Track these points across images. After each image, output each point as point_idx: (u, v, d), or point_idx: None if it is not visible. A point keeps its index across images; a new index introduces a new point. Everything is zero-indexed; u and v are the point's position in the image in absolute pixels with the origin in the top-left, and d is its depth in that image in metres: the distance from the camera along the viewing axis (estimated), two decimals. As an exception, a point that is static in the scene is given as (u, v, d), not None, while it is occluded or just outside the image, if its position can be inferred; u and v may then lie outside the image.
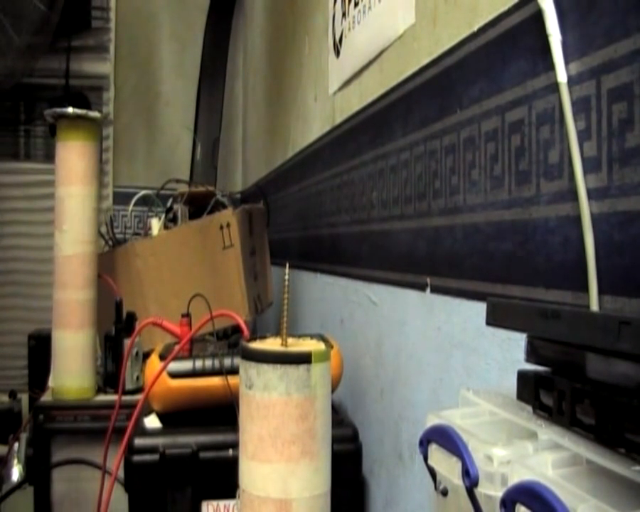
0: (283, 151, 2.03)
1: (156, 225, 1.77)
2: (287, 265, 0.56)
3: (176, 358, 1.03)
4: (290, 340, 0.57)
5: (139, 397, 1.06)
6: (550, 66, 0.59)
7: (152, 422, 1.06)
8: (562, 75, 0.58)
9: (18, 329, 2.81)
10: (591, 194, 0.55)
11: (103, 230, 1.77)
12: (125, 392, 1.32)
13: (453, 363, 0.82)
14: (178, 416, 1.05)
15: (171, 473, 0.97)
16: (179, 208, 1.78)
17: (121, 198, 3.12)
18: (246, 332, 1.04)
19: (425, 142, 0.90)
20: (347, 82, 1.29)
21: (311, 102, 1.63)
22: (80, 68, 3.20)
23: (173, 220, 1.82)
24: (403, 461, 0.98)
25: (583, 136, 0.56)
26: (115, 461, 0.98)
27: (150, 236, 1.68)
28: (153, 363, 1.06)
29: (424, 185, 0.91)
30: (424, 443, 0.50)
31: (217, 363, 1.04)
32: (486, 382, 0.73)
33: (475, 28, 0.75)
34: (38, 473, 1.38)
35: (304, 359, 0.53)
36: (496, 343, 0.71)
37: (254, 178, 2.69)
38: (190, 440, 1.00)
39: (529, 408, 0.48)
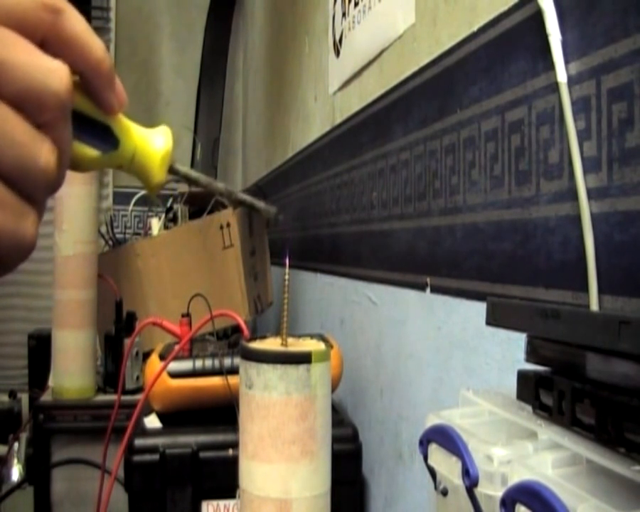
0: (283, 151, 2.03)
1: (156, 225, 1.78)
2: (287, 265, 0.56)
3: (175, 358, 1.03)
4: (290, 340, 0.57)
5: (139, 397, 1.06)
6: (550, 66, 0.59)
7: (152, 422, 1.06)
8: (562, 75, 0.58)
9: (18, 329, 2.81)
10: (591, 194, 0.55)
11: (103, 230, 1.77)
12: (125, 392, 1.32)
13: (453, 362, 0.82)
14: (178, 416, 1.05)
15: (171, 473, 0.97)
16: (179, 208, 1.79)
17: (121, 198, 3.12)
18: (246, 332, 1.04)
19: (425, 142, 0.90)
20: (347, 82, 1.29)
21: (311, 102, 1.63)
22: (80, 68, 3.20)
23: (173, 220, 1.82)
24: (403, 460, 0.98)
25: (583, 136, 0.56)
26: (115, 460, 0.98)
27: (150, 236, 1.68)
28: (153, 363, 1.06)
29: (424, 185, 0.91)
30: (424, 443, 0.50)
31: (217, 363, 1.04)
32: (486, 382, 0.73)
33: (475, 28, 0.76)
34: (38, 473, 1.38)
35: (304, 359, 0.53)
36: (496, 343, 0.71)
37: (254, 178, 2.69)
38: (190, 440, 1.00)
39: (529, 408, 0.48)
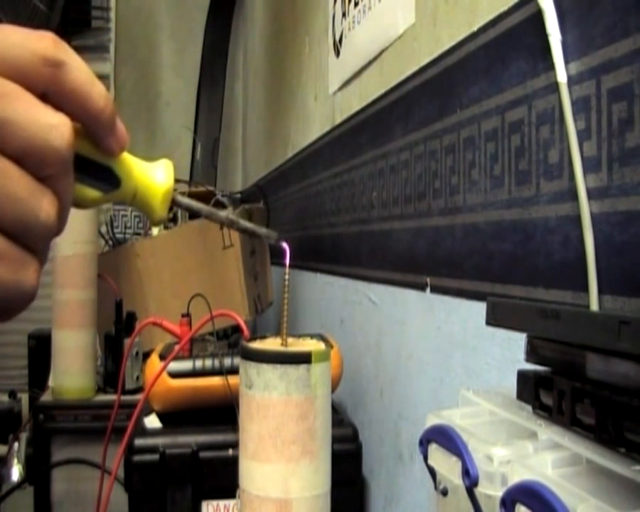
0: (283, 151, 2.03)
1: (156, 225, 1.77)
2: (287, 265, 0.56)
3: (175, 358, 1.03)
4: (290, 340, 0.57)
5: (139, 397, 1.06)
6: (550, 66, 0.59)
7: (152, 422, 1.06)
8: (562, 75, 0.58)
9: (18, 329, 2.80)
10: (591, 194, 0.55)
11: (103, 230, 1.77)
12: (125, 392, 1.32)
13: (453, 363, 0.82)
14: (178, 416, 1.05)
15: (171, 473, 0.97)
16: (179, 208, 1.78)
17: (121, 198, 3.12)
18: (246, 332, 1.04)
19: (425, 142, 0.90)
20: (347, 82, 1.29)
21: (311, 102, 1.63)
22: (80, 68, 3.20)
23: (173, 220, 1.82)
24: (403, 460, 0.98)
25: (583, 136, 0.56)
26: (115, 460, 0.98)
27: (150, 236, 1.68)
28: (153, 363, 1.06)
29: (424, 185, 0.91)
30: (424, 443, 0.50)
31: (217, 363, 1.04)
32: (486, 382, 0.73)
33: (475, 28, 0.75)
34: (38, 473, 1.38)
35: (304, 359, 0.53)
36: (496, 343, 0.71)
37: (254, 178, 2.69)
38: (190, 440, 1.00)
39: (529, 408, 0.48)
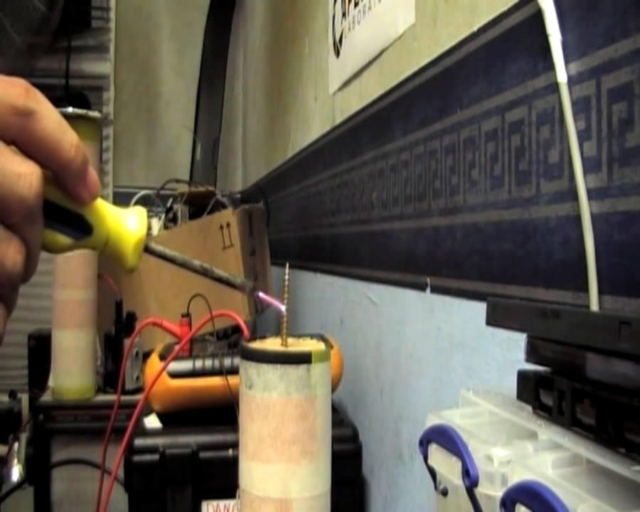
0: (283, 151, 2.03)
1: (156, 225, 1.78)
2: (287, 265, 0.56)
3: (176, 358, 1.03)
4: (290, 340, 0.57)
5: (139, 397, 1.06)
6: (550, 66, 0.59)
7: (152, 422, 1.06)
8: (562, 75, 0.58)
9: (18, 329, 2.81)
10: (591, 194, 0.55)
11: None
12: (125, 392, 1.32)
13: (453, 363, 0.82)
14: (178, 416, 1.05)
15: (171, 473, 0.97)
16: (179, 208, 1.78)
17: (121, 198, 3.12)
18: (246, 332, 1.04)
19: (425, 142, 0.90)
20: (347, 82, 1.29)
21: (311, 102, 1.63)
22: (79, 68, 3.20)
23: (173, 220, 1.82)
24: (403, 461, 0.98)
25: (583, 136, 0.56)
26: (115, 460, 0.98)
27: (150, 236, 1.68)
28: (153, 363, 1.06)
29: (424, 185, 0.91)
30: (424, 443, 0.50)
31: (217, 363, 1.04)
32: (486, 382, 0.73)
33: (475, 28, 0.76)
34: (38, 473, 1.38)
35: (304, 359, 0.53)
36: (496, 343, 0.71)
37: (254, 178, 2.69)
38: (190, 440, 1.00)
39: (529, 408, 0.48)
